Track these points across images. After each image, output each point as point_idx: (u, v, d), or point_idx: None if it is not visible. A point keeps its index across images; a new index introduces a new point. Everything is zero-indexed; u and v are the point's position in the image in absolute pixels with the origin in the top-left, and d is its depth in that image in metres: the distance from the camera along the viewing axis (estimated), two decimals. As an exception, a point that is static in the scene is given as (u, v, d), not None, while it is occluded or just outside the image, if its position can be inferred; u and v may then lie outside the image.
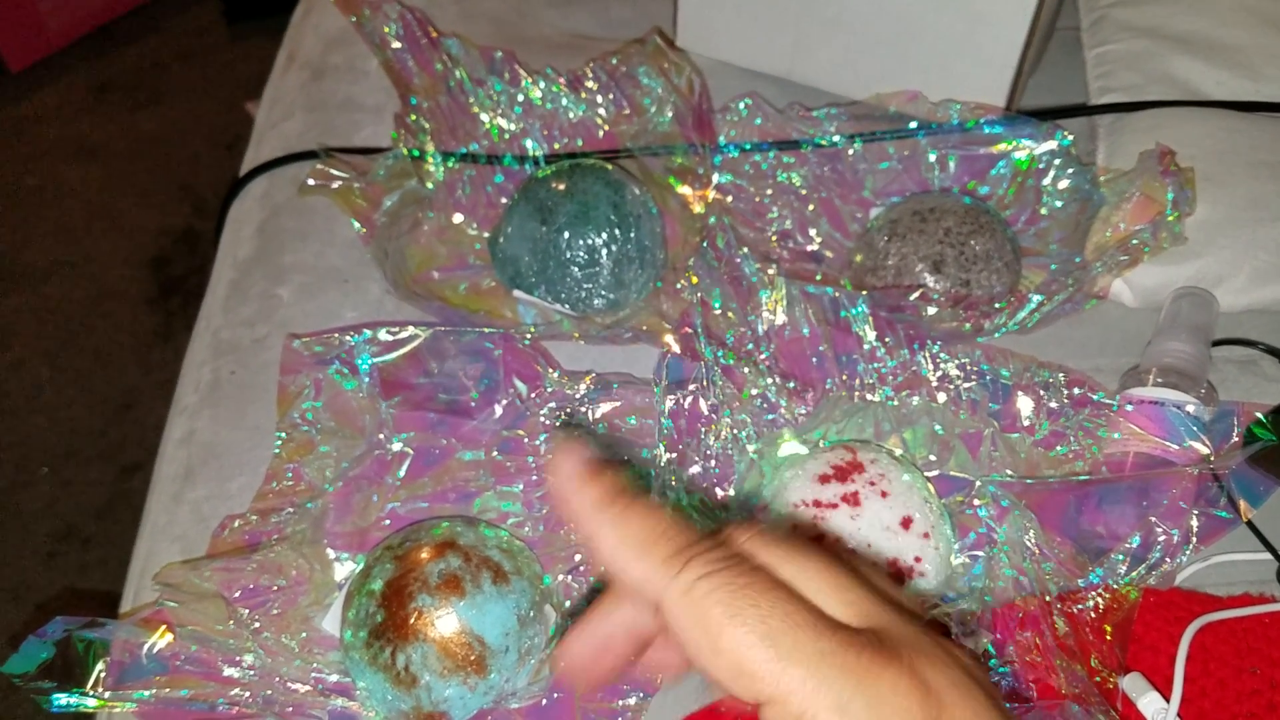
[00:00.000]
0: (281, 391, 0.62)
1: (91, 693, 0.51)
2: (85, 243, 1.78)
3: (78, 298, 1.69)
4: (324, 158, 0.71)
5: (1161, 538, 0.56)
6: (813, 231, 0.75)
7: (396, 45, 0.77)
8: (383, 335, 0.62)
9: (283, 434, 0.61)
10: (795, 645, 0.24)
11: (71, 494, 1.43)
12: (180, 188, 1.88)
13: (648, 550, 0.27)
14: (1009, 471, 0.61)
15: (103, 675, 0.52)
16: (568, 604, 0.58)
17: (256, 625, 0.56)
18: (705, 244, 0.66)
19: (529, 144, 0.77)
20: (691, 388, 0.61)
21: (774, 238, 0.75)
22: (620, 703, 0.55)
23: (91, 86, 2.09)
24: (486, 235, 0.74)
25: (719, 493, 0.60)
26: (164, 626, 0.53)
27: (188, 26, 2.21)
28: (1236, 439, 0.60)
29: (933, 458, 0.62)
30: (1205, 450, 0.58)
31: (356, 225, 0.70)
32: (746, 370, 0.62)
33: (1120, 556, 0.55)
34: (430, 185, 0.74)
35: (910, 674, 0.24)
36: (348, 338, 0.62)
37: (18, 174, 1.91)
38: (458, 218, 0.75)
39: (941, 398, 0.62)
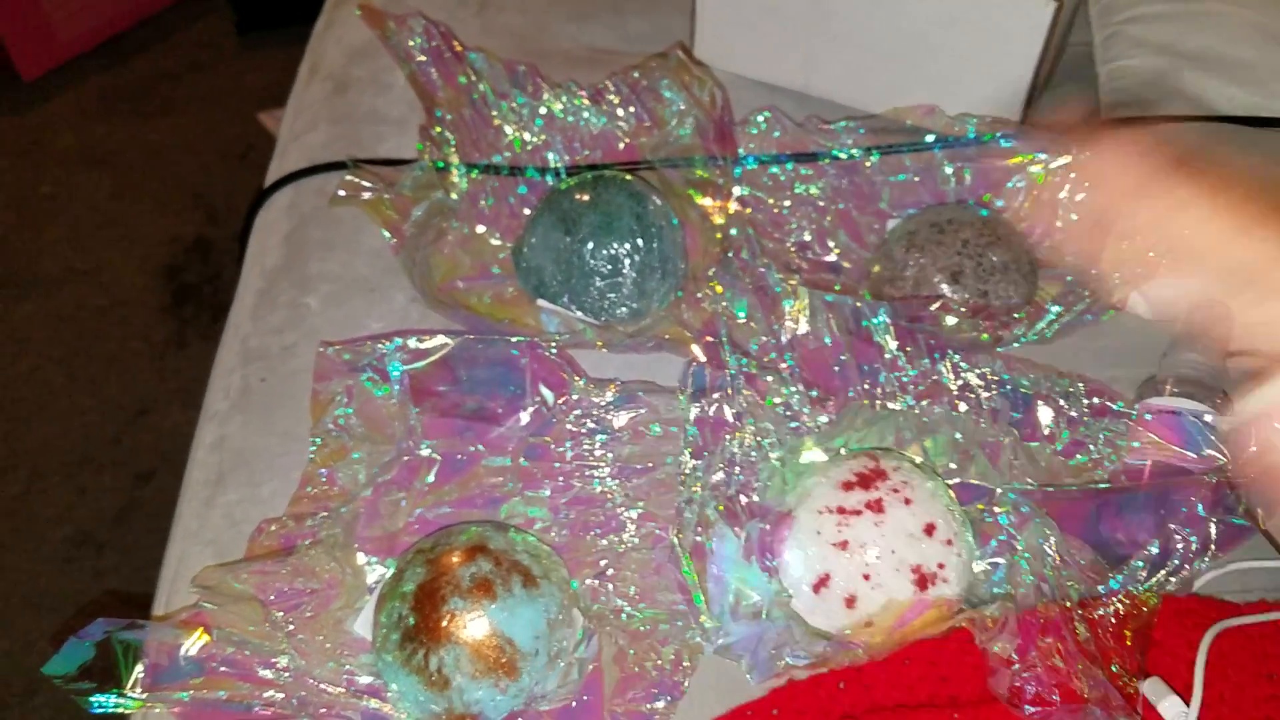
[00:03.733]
0: (315, 398, 0.63)
1: (130, 694, 0.52)
2: (98, 251, 1.79)
3: (91, 305, 1.70)
4: (353, 169, 0.73)
5: (1180, 545, 0.57)
6: (830, 243, 0.77)
7: (421, 59, 0.78)
8: (412, 343, 0.64)
9: (318, 439, 0.62)
10: None
11: (86, 501, 1.44)
12: (192, 196, 1.89)
13: None
14: (1029, 480, 0.62)
15: (140, 676, 0.53)
16: (594, 608, 0.59)
17: (290, 628, 0.56)
18: (730, 254, 0.67)
19: (550, 156, 0.79)
20: (716, 396, 0.62)
21: (792, 248, 0.76)
22: (648, 706, 0.56)
23: (103, 96, 2.10)
24: (509, 245, 0.75)
25: (743, 499, 0.61)
26: (201, 629, 0.54)
27: (199, 37, 2.22)
28: (1254, 448, 0.61)
29: (953, 466, 0.63)
30: (1222, 459, 0.59)
31: (387, 235, 0.72)
32: (770, 379, 0.63)
33: (1140, 563, 0.56)
34: (454, 196, 0.75)
35: None
36: (379, 345, 0.63)
37: (31, 182, 1.92)
38: (481, 228, 0.76)
39: (962, 407, 0.63)
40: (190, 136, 2.01)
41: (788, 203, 0.77)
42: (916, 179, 0.77)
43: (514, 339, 0.65)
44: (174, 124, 2.04)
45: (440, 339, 0.64)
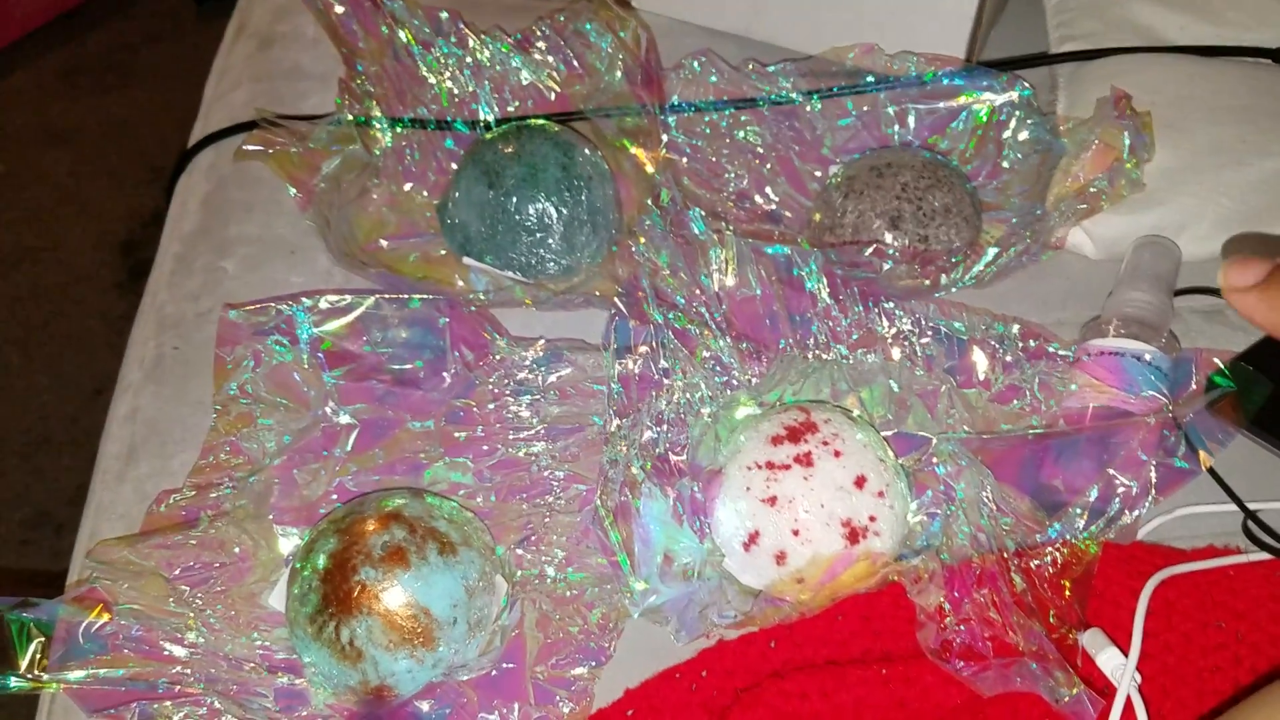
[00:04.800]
0: (218, 364, 0.60)
1: (22, 674, 0.50)
2: (55, 228, 1.76)
3: (48, 283, 1.67)
4: (262, 124, 0.70)
5: (1120, 490, 0.55)
6: (770, 191, 0.74)
7: (339, 9, 0.75)
8: (323, 304, 0.61)
9: (218, 407, 0.60)
10: None
11: (44, 481, 1.42)
12: (150, 170, 1.86)
13: None
14: (966, 428, 0.60)
15: (38, 656, 0.51)
16: (519, 574, 0.57)
17: (199, 603, 0.54)
18: (651, 203, 0.65)
19: (479, 108, 0.76)
20: (642, 351, 0.60)
21: (730, 198, 0.73)
22: (572, 672, 0.54)
23: (60, 70, 2.06)
24: (436, 202, 0.73)
25: (673, 458, 0.59)
26: (100, 605, 0.52)
27: (157, 9, 2.18)
28: (1196, 387, 0.59)
29: (890, 416, 0.61)
30: (1164, 399, 0.57)
31: (292, 191, 0.69)
32: (698, 332, 0.61)
33: (1078, 510, 0.54)
34: (377, 152, 0.72)
35: None
36: (286, 307, 0.60)
37: (-14, 160, 1.89)
38: (407, 185, 0.74)
39: (896, 354, 0.61)
40: (148, 109, 1.98)
41: (726, 150, 0.75)
42: (859, 123, 0.74)
43: (431, 297, 0.62)
44: (132, 97, 2.01)
45: (353, 299, 0.61)
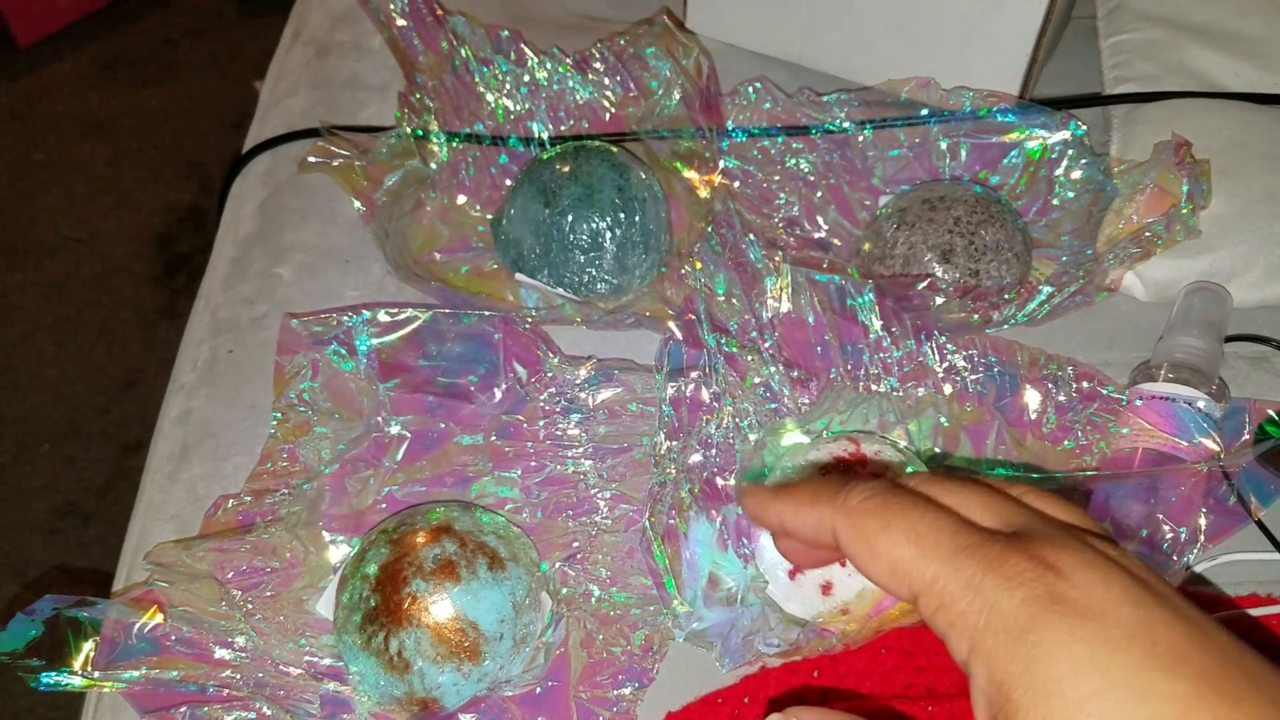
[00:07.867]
0: (278, 371, 0.61)
1: (79, 672, 0.50)
2: (91, 219, 1.78)
3: (83, 274, 1.69)
4: (325, 135, 0.70)
5: (1169, 535, 0.55)
6: (820, 219, 0.74)
7: (402, 23, 0.76)
8: (382, 316, 0.62)
9: (278, 414, 0.60)
10: (937, 543, 0.29)
11: (73, 471, 1.43)
12: (187, 165, 1.87)
13: (818, 498, 0.33)
14: (1014, 466, 0.60)
15: (92, 655, 0.51)
16: (564, 591, 0.58)
17: (249, 607, 0.55)
18: (711, 229, 0.65)
19: (534, 126, 0.76)
20: (694, 375, 0.60)
21: (781, 224, 0.74)
22: (615, 692, 0.54)
23: (101, 62, 2.08)
24: (490, 217, 0.73)
25: (719, 482, 0.60)
26: (155, 607, 0.53)
27: (198, 3, 2.20)
28: (1247, 436, 0.59)
29: (938, 450, 0.61)
30: (1215, 447, 0.57)
31: (356, 204, 0.70)
32: (750, 358, 0.61)
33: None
34: (434, 165, 0.73)
35: (1029, 555, 0.27)
36: (346, 318, 0.61)
37: (25, 149, 1.90)
38: (461, 199, 0.74)
39: (947, 389, 0.61)
40: (187, 104, 1.99)
41: (777, 177, 0.75)
42: (910, 154, 0.75)
43: (487, 313, 0.63)
44: (171, 91, 2.02)
45: (410, 312, 0.62)
